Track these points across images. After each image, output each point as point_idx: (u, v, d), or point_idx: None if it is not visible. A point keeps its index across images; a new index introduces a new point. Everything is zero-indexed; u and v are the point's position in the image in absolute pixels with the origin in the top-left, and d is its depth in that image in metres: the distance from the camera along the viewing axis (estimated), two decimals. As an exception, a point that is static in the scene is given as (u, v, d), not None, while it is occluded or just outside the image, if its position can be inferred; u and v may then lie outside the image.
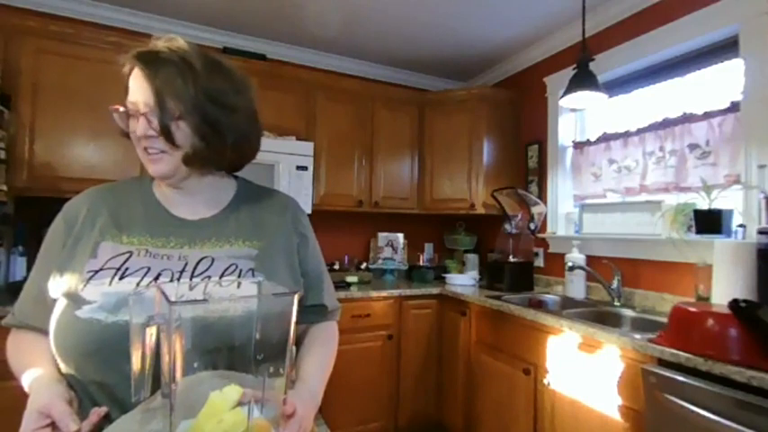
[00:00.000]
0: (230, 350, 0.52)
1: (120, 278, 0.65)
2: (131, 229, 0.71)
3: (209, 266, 0.70)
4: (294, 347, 0.58)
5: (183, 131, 0.68)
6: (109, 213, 0.73)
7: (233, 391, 0.45)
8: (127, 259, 0.67)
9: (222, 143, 0.72)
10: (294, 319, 0.50)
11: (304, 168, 2.43)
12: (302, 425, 0.59)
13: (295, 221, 0.85)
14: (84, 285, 0.64)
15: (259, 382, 0.49)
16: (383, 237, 3.01)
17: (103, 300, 0.62)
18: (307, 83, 2.57)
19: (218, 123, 0.71)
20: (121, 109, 0.68)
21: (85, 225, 0.72)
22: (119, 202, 0.75)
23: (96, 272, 0.65)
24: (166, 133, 0.66)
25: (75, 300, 0.63)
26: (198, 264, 0.70)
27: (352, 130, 2.70)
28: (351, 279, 2.56)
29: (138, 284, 0.64)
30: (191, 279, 0.67)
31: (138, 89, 0.67)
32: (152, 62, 0.67)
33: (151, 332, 0.50)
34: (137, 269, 0.67)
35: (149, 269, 0.67)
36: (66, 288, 0.65)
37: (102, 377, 0.61)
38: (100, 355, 0.60)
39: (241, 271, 0.71)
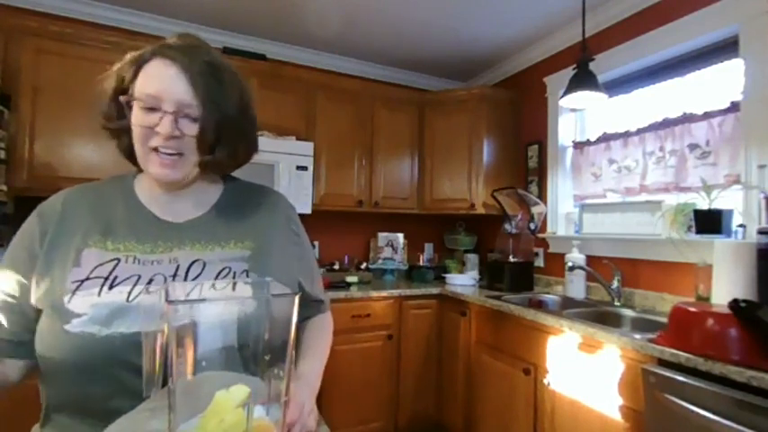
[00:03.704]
0: (238, 350, 0.52)
1: (110, 288, 0.61)
2: (116, 234, 0.67)
3: (202, 270, 0.67)
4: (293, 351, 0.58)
5: (212, 137, 0.67)
6: (89, 217, 0.68)
7: (240, 391, 0.45)
8: (114, 267, 0.63)
9: (244, 152, 0.73)
10: (295, 319, 0.50)
11: (304, 168, 2.43)
12: (310, 419, 0.61)
13: (287, 219, 0.84)
14: (71, 297, 0.60)
15: (265, 383, 0.49)
16: (383, 237, 3.01)
17: (94, 312, 0.59)
18: (307, 83, 2.57)
19: (244, 133, 0.72)
20: (148, 103, 0.62)
21: (62, 229, 0.66)
22: (99, 204, 0.70)
23: (82, 282, 0.61)
24: (202, 139, 0.65)
25: (61, 313, 0.59)
26: (190, 267, 0.67)
27: (352, 130, 2.70)
28: (351, 279, 2.56)
29: (129, 293, 0.61)
30: (184, 281, 0.65)
31: (168, 84, 0.63)
32: (186, 60, 0.64)
33: (162, 332, 0.50)
34: (126, 277, 0.63)
35: (140, 277, 0.63)
36: (50, 300, 0.61)
37: (99, 390, 0.59)
38: (96, 369, 0.58)
39: (235, 273, 0.69)
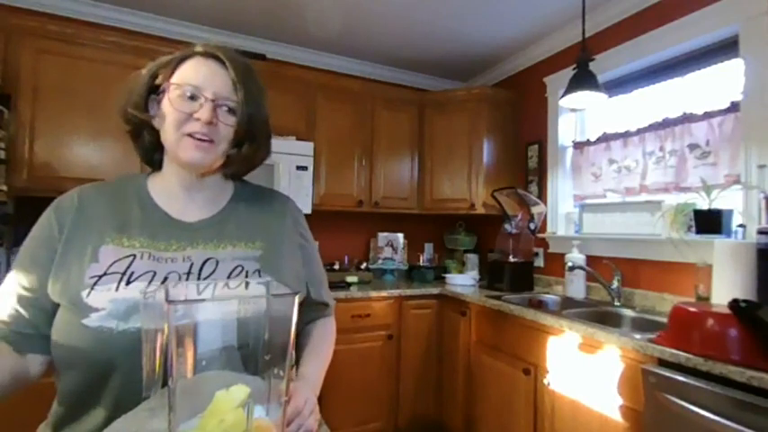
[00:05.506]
0: (238, 350, 0.52)
1: (127, 283, 0.63)
2: (131, 232, 0.69)
3: (215, 269, 0.69)
4: (293, 351, 0.58)
5: (244, 129, 0.71)
6: (105, 215, 0.70)
7: (239, 391, 0.45)
8: (131, 263, 0.65)
9: (263, 153, 0.78)
10: (295, 319, 0.50)
11: (304, 168, 2.43)
12: (311, 419, 0.62)
13: (295, 223, 0.86)
14: (89, 291, 0.62)
15: (265, 383, 0.49)
16: (383, 237, 3.01)
17: (112, 307, 0.61)
18: (307, 83, 2.57)
19: (267, 135, 0.78)
20: (188, 91, 0.67)
21: (78, 225, 0.68)
22: (114, 202, 0.72)
23: (100, 277, 0.63)
24: (236, 129, 0.70)
25: (80, 307, 0.61)
26: (203, 265, 0.69)
27: (352, 130, 2.70)
28: (351, 279, 2.56)
29: (146, 290, 0.62)
30: (198, 280, 0.66)
31: (210, 76, 0.68)
32: (228, 59, 0.70)
33: (162, 331, 0.50)
34: (142, 273, 0.65)
35: (155, 273, 0.65)
36: (68, 294, 0.62)
37: (113, 384, 0.60)
38: (112, 363, 0.59)
39: (247, 272, 0.71)
